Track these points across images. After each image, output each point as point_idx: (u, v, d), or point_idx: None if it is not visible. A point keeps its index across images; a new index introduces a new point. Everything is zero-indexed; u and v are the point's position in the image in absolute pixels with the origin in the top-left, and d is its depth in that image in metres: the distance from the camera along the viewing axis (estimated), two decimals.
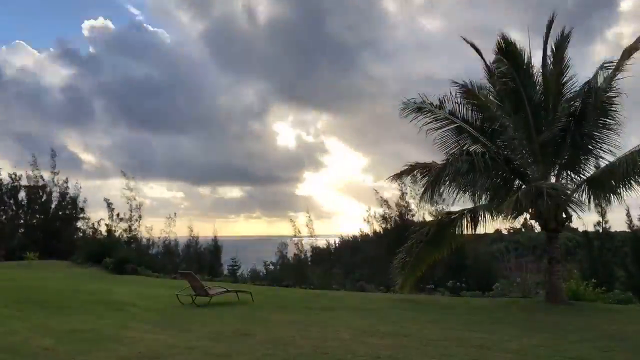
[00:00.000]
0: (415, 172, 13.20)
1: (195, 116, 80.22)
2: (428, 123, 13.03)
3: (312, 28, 72.13)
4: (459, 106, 13.24)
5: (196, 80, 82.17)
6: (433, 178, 11.98)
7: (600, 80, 11.80)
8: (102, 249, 21.86)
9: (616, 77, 11.57)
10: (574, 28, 12.15)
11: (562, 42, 12.20)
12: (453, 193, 12.78)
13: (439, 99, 13.18)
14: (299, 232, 21.62)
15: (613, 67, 11.69)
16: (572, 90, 12.43)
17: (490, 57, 12.87)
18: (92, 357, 6.23)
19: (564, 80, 12.41)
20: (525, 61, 12.57)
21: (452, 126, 13.14)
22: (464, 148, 12.95)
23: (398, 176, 13.67)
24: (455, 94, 13.20)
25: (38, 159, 27.35)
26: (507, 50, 12.39)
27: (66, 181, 27.57)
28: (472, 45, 12.98)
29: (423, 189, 12.51)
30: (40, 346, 6.67)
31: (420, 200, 12.87)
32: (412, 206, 21.45)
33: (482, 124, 13.30)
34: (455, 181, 12.35)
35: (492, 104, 13.23)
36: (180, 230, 24.72)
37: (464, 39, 13.06)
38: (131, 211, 24.80)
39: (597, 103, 11.72)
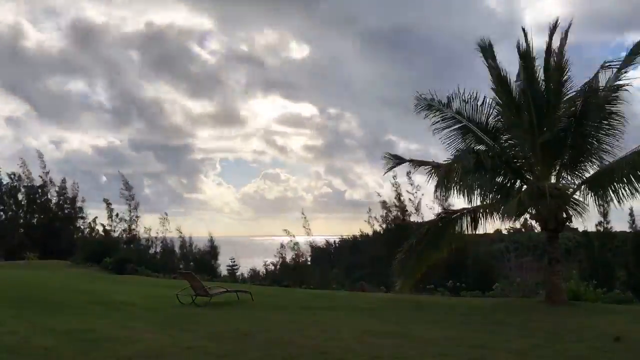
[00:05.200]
0: (415, 168, 13.30)
1: None
2: (436, 122, 13.25)
3: None
4: (465, 105, 13.25)
5: None
6: (444, 174, 12.00)
7: (601, 80, 11.79)
8: (102, 248, 21.86)
9: (620, 78, 11.52)
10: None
11: (563, 42, 12.18)
12: (460, 192, 12.75)
13: (447, 97, 13.23)
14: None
15: (613, 67, 11.65)
16: (573, 90, 12.41)
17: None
18: (92, 357, 6.22)
19: (565, 79, 12.39)
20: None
21: (458, 125, 13.19)
22: (470, 147, 13.05)
23: (391, 168, 13.66)
24: (462, 92, 13.18)
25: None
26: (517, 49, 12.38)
27: (64, 181, 27.60)
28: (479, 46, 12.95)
29: (435, 184, 12.50)
30: (40, 346, 6.66)
31: (434, 195, 12.97)
32: (409, 207, 21.56)
33: (486, 124, 13.26)
34: (463, 179, 12.32)
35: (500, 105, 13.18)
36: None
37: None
38: (130, 211, 24.78)
39: (598, 103, 11.70)
